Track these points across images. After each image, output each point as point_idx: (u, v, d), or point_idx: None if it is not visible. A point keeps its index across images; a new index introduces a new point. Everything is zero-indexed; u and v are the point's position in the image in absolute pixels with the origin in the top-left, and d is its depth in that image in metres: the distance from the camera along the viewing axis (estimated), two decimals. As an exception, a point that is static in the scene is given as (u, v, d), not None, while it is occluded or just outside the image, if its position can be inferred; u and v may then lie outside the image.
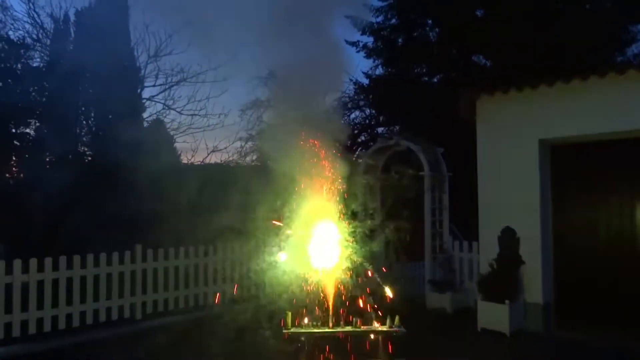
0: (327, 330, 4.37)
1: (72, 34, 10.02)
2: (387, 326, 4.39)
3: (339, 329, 4.39)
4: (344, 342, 4.51)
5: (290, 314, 4.42)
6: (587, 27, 13.06)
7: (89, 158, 9.83)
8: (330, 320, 4.46)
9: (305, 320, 4.39)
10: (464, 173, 9.05)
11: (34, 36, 9.51)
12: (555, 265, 6.99)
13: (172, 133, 11.82)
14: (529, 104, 6.98)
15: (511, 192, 7.06)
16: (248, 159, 13.74)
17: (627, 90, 6.15)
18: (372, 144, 11.19)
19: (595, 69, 6.32)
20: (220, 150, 11.99)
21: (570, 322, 6.70)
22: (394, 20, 16.30)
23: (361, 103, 16.36)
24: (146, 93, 11.06)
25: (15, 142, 9.00)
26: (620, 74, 6.14)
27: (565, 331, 6.60)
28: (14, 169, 9.24)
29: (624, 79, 6.13)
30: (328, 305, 4.57)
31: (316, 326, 4.41)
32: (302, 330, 4.35)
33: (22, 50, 9.02)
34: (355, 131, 16.15)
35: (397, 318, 4.42)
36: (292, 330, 4.38)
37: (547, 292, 6.86)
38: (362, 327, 4.40)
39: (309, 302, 4.62)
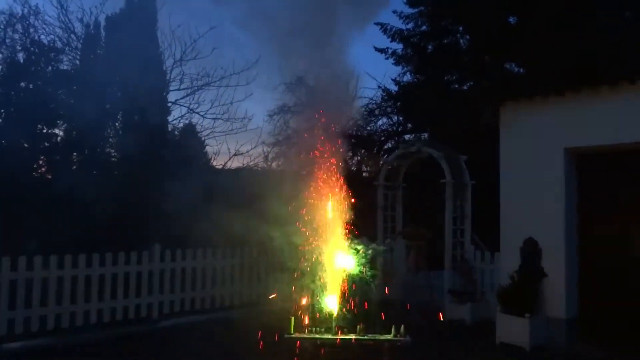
0: (329, 336, 4.28)
1: (103, 39, 10.32)
2: (392, 335, 4.27)
3: (342, 336, 4.30)
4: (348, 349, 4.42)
5: (293, 319, 4.37)
6: (626, 35, 12.57)
7: (115, 159, 10.07)
8: (334, 327, 4.37)
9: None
10: (491, 182, 8.82)
11: (64, 40, 9.85)
12: (580, 279, 6.68)
13: (203, 138, 12.01)
14: (554, 111, 6.73)
15: (534, 201, 6.81)
16: (274, 164, 13.79)
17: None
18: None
19: (624, 75, 6.04)
20: (243, 154, 12.06)
21: (595, 339, 6.37)
22: (424, 27, 16.13)
23: (388, 110, 16.21)
24: (171, 97, 11.30)
25: (45, 143, 9.29)
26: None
27: (589, 348, 6.27)
28: (42, 168, 9.54)
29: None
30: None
31: (320, 332, 4.33)
32: (305, 336, 4.28)
33: (52, 54, 9.34)
34: (382, 138, 16.00)
35: (402, 327, 4.29)
36: (295, 334, 4.32)
37: (571, 306, 6.56)
38: (366, 335, 4.29)
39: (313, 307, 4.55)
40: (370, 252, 5.36)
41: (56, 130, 9.44)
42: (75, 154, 9.53)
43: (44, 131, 9.36)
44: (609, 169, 6.56)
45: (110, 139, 10.18)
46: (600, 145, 6.39)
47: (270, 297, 6.96)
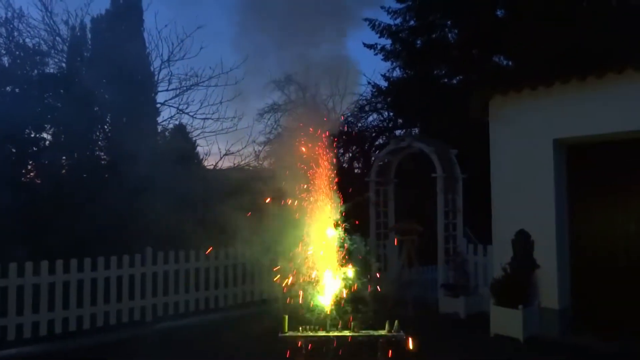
0: (324, 334, 4.28)
1: (89, 41, 10.22)
2: (386, 331, 4.27)
3: (336, 333, 4.30)
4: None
5: (287, 317, 4.36)
6: (613, 25, 12.64)
7: (104, 162, 9.99)
8: (328, 324, 4.37)
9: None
10: (482, 175, 8.86)
11: (50, 43, 9.74)
12: (572, 269, 6.73)
13: (193, 139, 11.93)
14: (543, 102, 6.76)
15: (525, 193, 6.84)
16: (265, 163, 13.77)
17: (646, 87, 5.89)
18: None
19: (612, 65, 6.07)
20: (233, 153, 12.02)
21: (588, 329, 6.44)
22: (412, 22, 16.14)
23: (379, 106, 16.23)
24: (160, 97, 11.23)
25: (33, 147, 9.20)
26: (638, 70, 5.87)
27: (582, 338, 6.33)
28: (31, 173, 9.45)
29: (642, 75, 5.86)
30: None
31: (313, 330, 4.32)
32: (299, 334, 4.27)
33: (37, 57, 9.24)
34: (373, 134, 16.01)
35: (396, 322, 4.29)
36: (289, 333, 4.31)
37: (564, 297, 6.61)
38: (360, 331, 4.28)
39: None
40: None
41: (44, 135, 9.37)
42: (64, 158, 9.44)
43: (32, 135, 9.27)
44: (598, 159, 6.60)
45: (100, 142, 10.10)
46: (589, 135, 6.44)
47: (265, 297, 6.93)
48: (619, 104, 6.08)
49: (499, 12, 15.16)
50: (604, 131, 6.26)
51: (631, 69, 5.91)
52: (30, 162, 9.29)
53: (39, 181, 9.27)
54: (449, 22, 15.81)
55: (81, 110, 8.88)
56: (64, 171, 9.40)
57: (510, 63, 15.13)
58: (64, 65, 9.95)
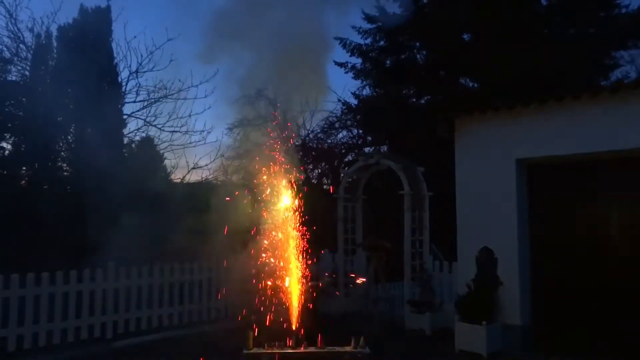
0: (289, 350, 4.24)
1: (54, 49, 10.00)
2: (351, 347, 4.27)
3: (302, 349, 4.27)
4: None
5: (251, 333, 4.31)
6: (572, 52, 13.23)
7: (66, 173, 9.72)
8: (294, 340, 4.34)
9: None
10: (448, 193, 9.02)
11: (13, 50, 9.49)
12: (534, 286, 6.89)
13: (161, 152, 11.73)
14: (506, 124, 6.98)
15: (489, 212, 7.01)
16: (234, 177, 13.65)
17: (601, 112, 6.16)
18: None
19: (570, 90, 6.34)
20: (201, 167, 11.88)
21: (549, 344, 6.58)
22: (382, 42, 16.47)
23: (348, 123, 16.39)
24: (127, 109, 11.02)
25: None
26: (594, 96, 6.16)
27: (543, 353, 6.47)
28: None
29: (597, 101, 6.14)
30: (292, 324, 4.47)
31: (279, 346, 4.28)
32: (263, 351, 4.22)
33: (-1, 64, 8.99)
34: (343, 151, 16.13)
35: (362, 338, 4.29)
36: (254, 350, 4.25)
37: (526, 313, 6.75)
38: (325, 347, 4.27)
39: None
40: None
41: (3, 144, 9.06)
42: (24, 168, 9.13)
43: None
44: (559, 179, 6.84)
45: (63, 153, 9.82)
46: (549, 156, 6.67)
47: (230, 312, 6.82)
48: (575, 127, 6.34)
49: (465, 36, 15.64)
50: (560, 153, 6.51)
51: (587, 95, 6.19)
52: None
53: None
54: (417, 44, 16.20)
55: (44, 119, 8.64)
56: (23, 182, 9.07)
57: (475, 85, 15.58)
58: (27, 73, 9.69)
